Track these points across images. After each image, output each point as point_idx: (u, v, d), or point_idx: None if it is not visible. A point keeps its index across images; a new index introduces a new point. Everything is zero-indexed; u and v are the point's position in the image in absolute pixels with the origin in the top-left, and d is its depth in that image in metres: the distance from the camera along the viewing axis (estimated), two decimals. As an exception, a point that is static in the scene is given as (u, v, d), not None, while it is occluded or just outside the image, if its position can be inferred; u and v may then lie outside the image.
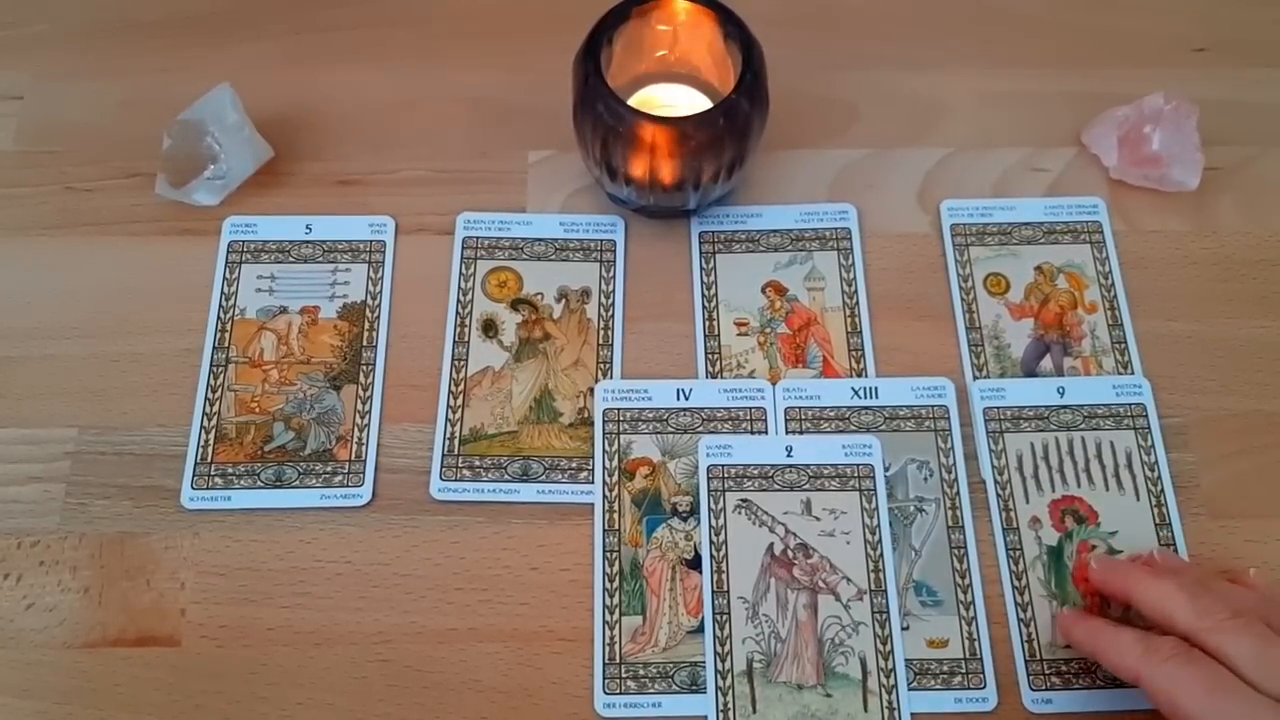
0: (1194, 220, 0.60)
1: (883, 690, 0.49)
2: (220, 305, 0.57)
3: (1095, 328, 0.57)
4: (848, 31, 0.66)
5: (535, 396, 0.55)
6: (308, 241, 0.59)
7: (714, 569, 0.51)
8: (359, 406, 0.55)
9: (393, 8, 0.67)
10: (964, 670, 0.49)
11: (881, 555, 0.51)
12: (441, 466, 0.54)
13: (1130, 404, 0.55)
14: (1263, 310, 0.58)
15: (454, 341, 0.57)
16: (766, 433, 0.54)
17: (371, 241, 0.59)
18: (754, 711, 0.48)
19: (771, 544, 0.52)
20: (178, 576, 0.51)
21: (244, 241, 0.59)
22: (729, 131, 0.52)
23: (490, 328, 0.57)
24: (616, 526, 0.52)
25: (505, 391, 0.56)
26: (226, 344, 0.57)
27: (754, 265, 0.59)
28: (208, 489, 0.53)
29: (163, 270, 0.58)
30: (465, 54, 0.65)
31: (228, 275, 0.58)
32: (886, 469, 0.53)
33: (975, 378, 0.56)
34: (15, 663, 0.50)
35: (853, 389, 0.55)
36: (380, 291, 0.58)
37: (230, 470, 0.53)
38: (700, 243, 0.59)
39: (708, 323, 0.57)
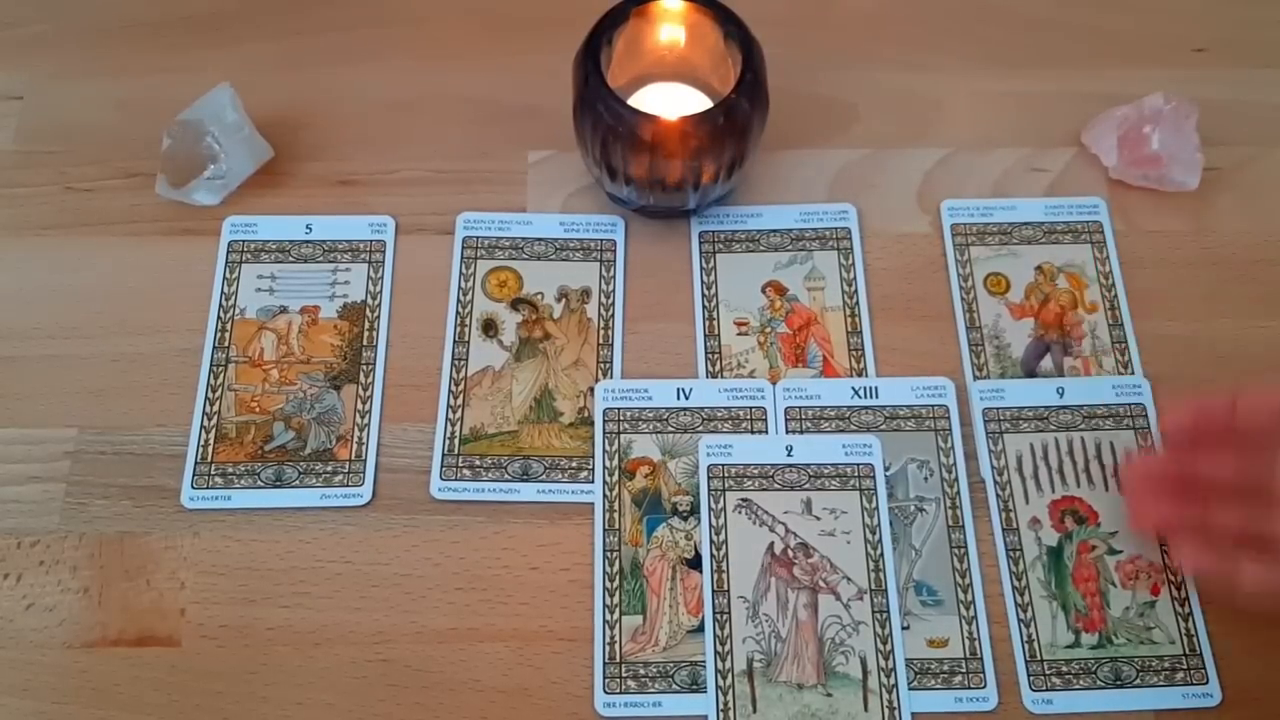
0: (1194, 220, 0.60)
1: (883, 690, 0.49)
2: (220, 305, 0.57)
3: (1095, 328, 0.57)
4: (848, 31, 0.66)
5: (535, 396, 0.55)
6: (308, 241, 0.59)
7: (714, 568, 0.51)
8: (359, 406, 0.55)
9: (393, 8, 0.67)
10: (964, 670, 0.49)
11: (882, 555, 0.51)
12: (441, 466, 0.54)
13: (1130, 404, 0.55)
14: (1263, 310, 0.58)
15: (454, 341, 0.57)
16: (766, 432, 0.54)
17: (371, 241, 0.59)
18: (754, 711, 0.48)
19: (772, 543, 0.52)
20: (178, 576, 0.51)
21: (244, 241, 0.59)
22: (729, 131, 0.52)
23: (490, 327, 0.57)
24: (617, 526, 0.52)
25: (505, 391, 0.56)
26: (226, 344, 0.56)
27: (754, 265, 0.59)
28: (208, 489, 0.53)
29: (163, 270, 0.58)
30: (465, 54, 0.65)
31: (228, 275, 0.58)
32: (887, 469, 0.53)
33: (975, 377, 0.56)
34: (15, 663, 0.50)
35: (853, 389, 0.55)
36: (380, 291, 0.58)
37: (230, 470, 0.53)
38: (700, 242, 0.59)
39: (708, 322, 0.57)
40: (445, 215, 0.60)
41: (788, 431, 0.54)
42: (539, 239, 0.59)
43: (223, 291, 0.58)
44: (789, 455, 0.53)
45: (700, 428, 0.54)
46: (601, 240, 0.59)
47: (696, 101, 0.57)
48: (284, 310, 0.58)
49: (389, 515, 0.53)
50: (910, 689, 0.49)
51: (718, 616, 0.50)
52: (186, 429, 0.54)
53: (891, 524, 0.52)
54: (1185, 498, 0.47)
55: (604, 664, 0.49)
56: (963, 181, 0.61)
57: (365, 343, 0.57)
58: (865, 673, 0.49)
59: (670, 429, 0.54)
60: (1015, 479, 0.53)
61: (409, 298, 0.58)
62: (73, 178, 0.61)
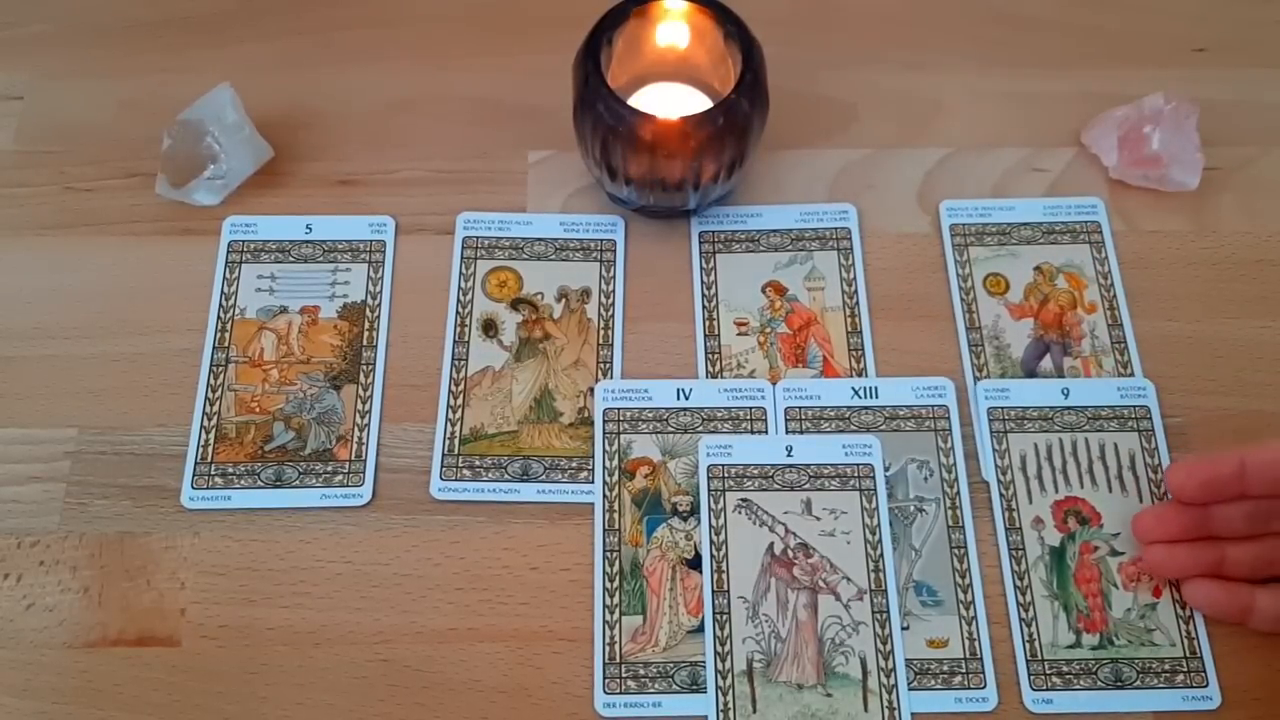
0: (1194, 220, 0.60)
1: (883, 690, 0.49)
2: (220, 305, 0.57)
3: (1095, 328, 0.57)
4: (848, 31, 0.66)
5: (535, 396, 0.55)
6: (308, 241, 0.59)
7: (714, 569, 0.51)
8: (359, 406, 0.55)
9: (393, 8, 0.67)
10: (964, 670, 0.49)
11: (882, 555, 0.51)
12: (441, 466, 0.54)
13: (1134, 406, 0.55)
14: (1263, 310, 0.58)
15: (454, 341, 0.57)
16: (766, 433, 0.54)
17: (371, 241, 0.59)
18: (754, 711, 0.48)
19: (772, 544, 0.52)
20: (178, 576, 0.51)
21: (244, 241, 0.59)
22: (729, 131, 0.52)
23: (490, 327, 0.57)
24: (617, 526, 0.52)
25: (505, 391, 0.56)
26: (226, 344, 0.56)
27: (754, 265, 0.59)
28: (208, 489, 0.53)
29: (163, 270, 0.58)
30: (465, 54, 0.65)
31: (228, 275, 0.58)
32: (887, 469, 0.53)
33: (976, 378, 0.56)
34: (15, 663, 0.50)
35: (853, 389, 0.55)
36: (380, 291, 0.58)
37: (230, 470, 0.53)
38: (700, 243, 0.59)
39: (708, 322, 0.57)
40: (445, 215, 0.60)
41: (788, 432, 0.54)
42: (539, 239, 0.59)
43: (223, 291, 0.58)
44: (789, 455, 0.53)
45: (700, 428, 0.54)
46: (601, 240, 0.59)
47: (696, 101, 0.57)
48: (284, 310, 0.58)
49: (389, 515, 0.53)
50: (910, 689, 0.49)
51: (718, 617, 0.50)
52: (186, 429, 0.54)
53: (891, 524, 0.52)
54: (1197, 543, 0.49)
55: (604, 664, 0.49)
56: (963, 182, 0.61)
57: (365, 343, 0.57)
58: (865, 673, 0.49)
59: (670, 429, 0.54)
60: (1019, 479, 0.53)
61: (409, 298, 0.58)
62: (73, 178, 0.61)
